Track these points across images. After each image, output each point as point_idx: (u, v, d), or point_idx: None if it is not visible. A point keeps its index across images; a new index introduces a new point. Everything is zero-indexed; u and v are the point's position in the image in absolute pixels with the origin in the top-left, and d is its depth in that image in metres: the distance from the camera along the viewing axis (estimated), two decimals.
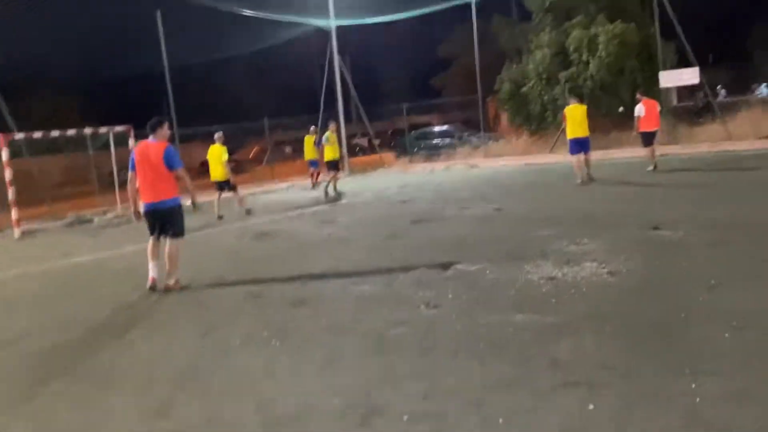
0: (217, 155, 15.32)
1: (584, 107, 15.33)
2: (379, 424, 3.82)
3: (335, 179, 18.82)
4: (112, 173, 20.55)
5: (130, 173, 7.93)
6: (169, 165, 7.80)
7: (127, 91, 32.67)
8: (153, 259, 8.01)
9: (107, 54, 25.37)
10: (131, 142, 18.49)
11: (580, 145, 14.89)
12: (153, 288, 7.85)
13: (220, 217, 14.93)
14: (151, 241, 8.08)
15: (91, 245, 13.28)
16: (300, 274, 8.09)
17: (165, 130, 8.02)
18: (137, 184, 7.97)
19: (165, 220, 7.96)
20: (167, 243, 7.98)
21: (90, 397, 4.69)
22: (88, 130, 19.63)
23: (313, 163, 22.20)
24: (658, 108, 16.48)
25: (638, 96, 16.67)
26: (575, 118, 15.00)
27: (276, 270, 8.58)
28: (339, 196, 17.94)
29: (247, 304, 6.87)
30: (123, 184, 19.16)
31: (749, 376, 3.93)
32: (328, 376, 4.63)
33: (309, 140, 21.76)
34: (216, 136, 15.49)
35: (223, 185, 15.45)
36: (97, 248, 12.57)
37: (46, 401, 4.72)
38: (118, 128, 19.11)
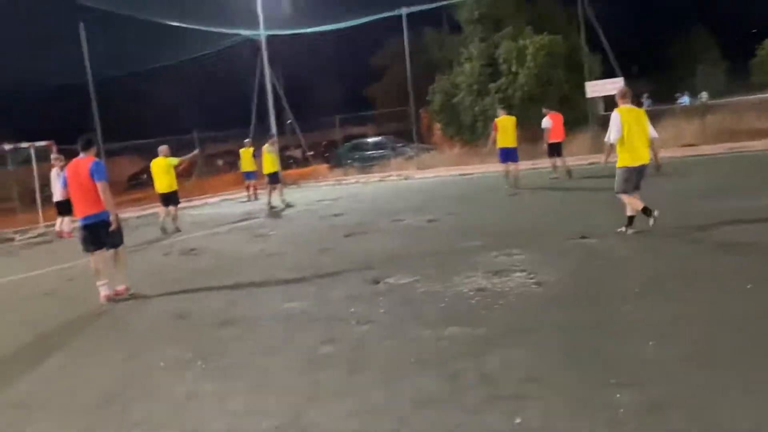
0: (164, 167, 14.74)
1: (514, 118, 16.42)
2: None
3: (277, 191, 18.53)
4: (34, 190, 19.86)
5: (61, 190, 8.32)
6: (94, 178, 7.95)
7: (49, 105, 31.63)
8: (100, 277, 8.16)
9: (28, 67, 24.53)
10: (53, 157, 17.89)
11: (507, 155, 15.92)
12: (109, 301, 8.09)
13: (177, 230, 14.57)
14: (90, 257, 8.28)
15: (11, 265, 12.74)
16: (228, 293, 7.92)
17: (94, 148, 8.37)
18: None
19: (101, 233, 8.06)
20: (113, 253, 8.26)
21: (7, 428, 4.45)
22: (7, 146, 18.95)
23: (250, 175, 22.02)
24: (562, 120, 17.62)
25: (544, 110, 17.74)
26: (506, 128, 15.97)
27: (203, 288, 8.37)
28: (278, 208, 17.70)
29: (172, 325, 6.67)
30: (46, 200, 18.57)
31: (672, 387, 3.99)
32: (256, 398, 4.52)
33: (245, 152, 21.54)
34: (160, 149, 14.95)
35: (169, 198, 14.87)
36: (18, 268, 12.06)
37: None
38: (40, 144, 18.48)
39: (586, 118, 24.36)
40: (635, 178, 8.64)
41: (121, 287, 8.28)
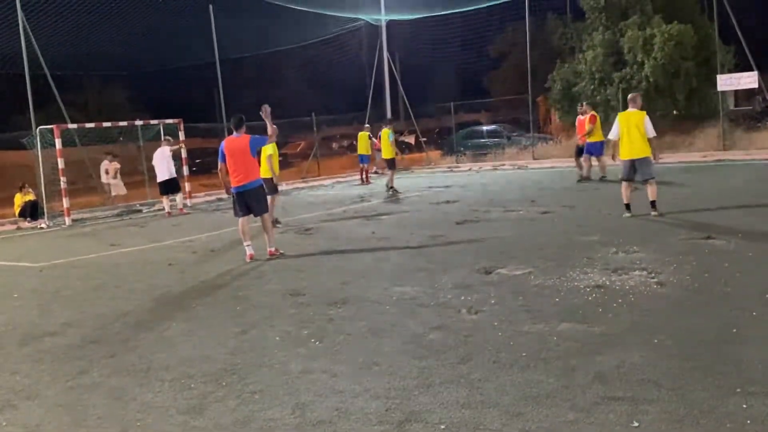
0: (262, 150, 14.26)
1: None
2: (415, 431, 3.74)
3: (389, 176, 18.60)
4: None
5: (220, 164, 9.57)
6: (254, 152, 9.37)
7: (176, 83, 33.15)
8: (246, 238, 9.43)
9: (158, 46, 25.77)
10: (181, 135, 18.78)
11: (601, 148, 16.42)
12: (253, 259, 9.30)
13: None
14: (240, 221, 9.50)
15: (138, 236, 13.48)
16: (341, 273, 8.06)
17: (245, 126, 9.50)
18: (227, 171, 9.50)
19: (252, 199, 9.38)
20: (260, 219, 9.54)
21: (127, 391, 4.71)
22: (139, 122, 20.01)
23: (363, 159, 22.38)
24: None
25: (587, 108, 17.43)
26: (600, 124, 16.70)
27: (317, 268, 8.56)
28: (393, 193, 17.76)
29: (287, 303, 6.85)
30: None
31: None
32: (366, 379, 4.57)
33: (363, 136, 21.86)
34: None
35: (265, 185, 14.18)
36: (145, 239, 12.75)
37: (84, 393, 4.75)
38: (169, 121, 19.41)
39: (715, 113, 23.14)
40: (632, 168, 10.43)
41: (272, 249, 9.49)
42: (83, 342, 6.03)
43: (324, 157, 31.43)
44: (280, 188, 14.49)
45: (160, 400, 4.49)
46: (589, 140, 16.55)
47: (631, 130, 10.36)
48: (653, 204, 10.36)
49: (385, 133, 18.67)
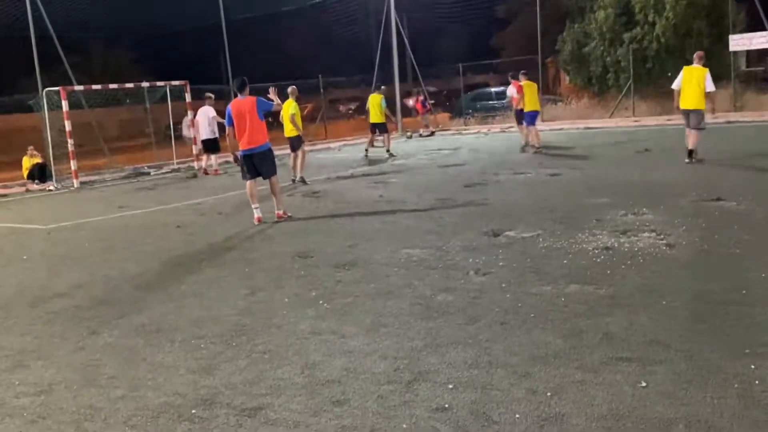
0: (284, 110, 13.16)
1: (536, 85, 16.61)
2: (423, 390, 3.76)
3: (369, 141, 18.82)
4: (168, 127, 20.81)
5: (228, 128, 9.43)
6: (261, 114, 9.22)
7: (182, 44, 32.86)
8: (254, 201, 9.39)
9: (163, 7, 25.52)
10: (188, 96, 18.67)
11: (534, 118, 16.21)
12: (261, 222, 9.29)
13: (302, 181, 13.52)
14: (248, 183, 9.47)
15: (146, 198, 13.50)
16: (349, 236, 8.06)
17: (248, 88, 9.35)
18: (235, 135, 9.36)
19: (260, 162, 9.32)
20: (269, 182, 9.47)
21: (138, 352, 4.75)
22: (145, 84, 19.89)
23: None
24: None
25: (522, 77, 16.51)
26: (534, 93, 16.20)
27: (325, 231, 8.57)
28: (390, 155, 17.83)
29: (296, 265, 6.86)
30: (179, 138, 19.43)
31: None
32: (375, 339, 4.59)
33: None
34: (288, 90, 13.64)
35: (293, 143, 13.70)
36: (153, 201, 12.77)
37: (95, 354, 4.79)
38: (175, 83, 19.29)
39: (727, 73, 22.82)
40: (687, 117, 11.73)
41: (280, 211, 9.52)
42: (93, 303, 6.08)
43: (331, 119, 31.23)
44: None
45: (171, 360, 4.52)
46: (525, 109, 16.10)
47: (692, 83, 11.52)
48: (690, 153, 11.59)
49: (377, 98, 18.55)
